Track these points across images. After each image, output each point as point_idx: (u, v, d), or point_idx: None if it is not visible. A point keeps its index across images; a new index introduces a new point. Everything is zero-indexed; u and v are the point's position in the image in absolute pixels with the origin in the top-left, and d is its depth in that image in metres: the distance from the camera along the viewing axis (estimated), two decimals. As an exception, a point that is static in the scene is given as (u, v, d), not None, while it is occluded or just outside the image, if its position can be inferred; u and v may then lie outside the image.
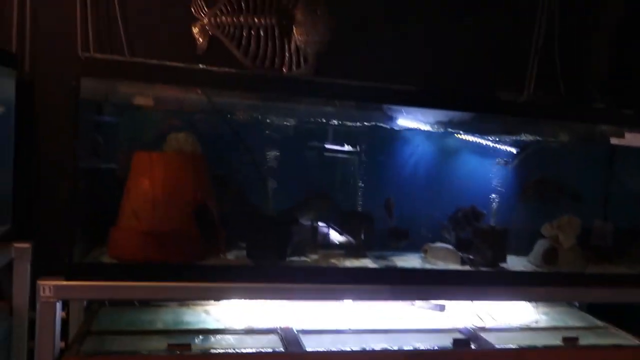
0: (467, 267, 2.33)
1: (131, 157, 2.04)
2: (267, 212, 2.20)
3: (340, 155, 2.49)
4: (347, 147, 2.48)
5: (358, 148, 2.49)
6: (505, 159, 2.54)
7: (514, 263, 2.47)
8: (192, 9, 2.60)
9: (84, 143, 2.07)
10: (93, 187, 2.23)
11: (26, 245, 2.16)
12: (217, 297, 2.04)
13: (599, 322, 2.64)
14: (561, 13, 3.00)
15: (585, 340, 2.37)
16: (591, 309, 2.78)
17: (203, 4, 2.61)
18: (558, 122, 2.56)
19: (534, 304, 2.69)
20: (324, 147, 2.49)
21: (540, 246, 2.51)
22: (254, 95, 2.13)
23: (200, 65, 1.96)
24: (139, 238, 1.93)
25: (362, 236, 2.39)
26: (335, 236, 2.39)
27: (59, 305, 1.78)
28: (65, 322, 2.17)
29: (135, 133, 2.29)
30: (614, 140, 2.57)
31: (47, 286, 1.75)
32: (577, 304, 2.82)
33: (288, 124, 2.31)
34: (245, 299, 2.05)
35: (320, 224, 2.37)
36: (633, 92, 3.02)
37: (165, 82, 1.90)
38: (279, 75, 2.52)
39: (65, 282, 1.78)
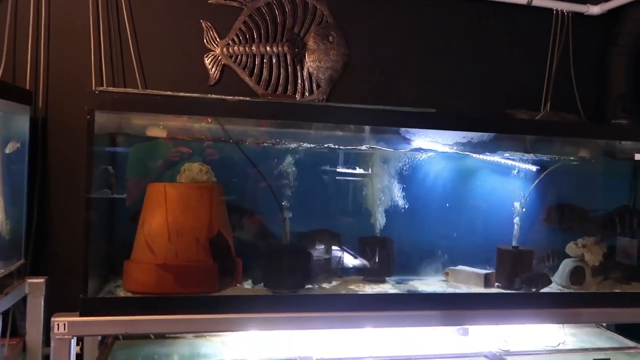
0: (491, 290, 2.28)
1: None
2: (283, 240, 2.16)
3: (357, 179, 2.46)
4: (363, 171, 2.45)
5: (374, 171, 2.45)
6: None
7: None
8: (205, 40, 2.62)
9: (98, 176, 2.07)
10: (108, 220, 2.23)
11: (40, 280, 2.15)
12: (234, 329, 1.99)
13: (629, 342, 2.57)
14: (576, 30, 2.98)
15: (617, 362, 2.30)
16: (620, 328, 2.70)
17: (215, 34, 2.63)
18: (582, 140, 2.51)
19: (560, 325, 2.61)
20: (341, 172, 2.46)
21: (565, 266, 2.44)
22: (267, 123, 2.12)
23: (211, 95, 1.95)
24: (154, 271, 1.90)
25: (382, 261, 2.35)
26: (353, 262, 2.35)
27: (73, 342, 1.75)
28: (79, 357, 2.15)
29: (149, 164, 2.29)
30: (638, 156, 2.51)
31: (61, 323, 1.72)
32: (604, 323, 2.73)
33: (302, 149, 2.29)
34: (262, 329, 2.00)
35: (337, 249, 2.33)
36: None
37: (177, 113, 1.89)
38: (291, 102, 2.51)
39: (79, 318, 1.75)
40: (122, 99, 1.81)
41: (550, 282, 2.37)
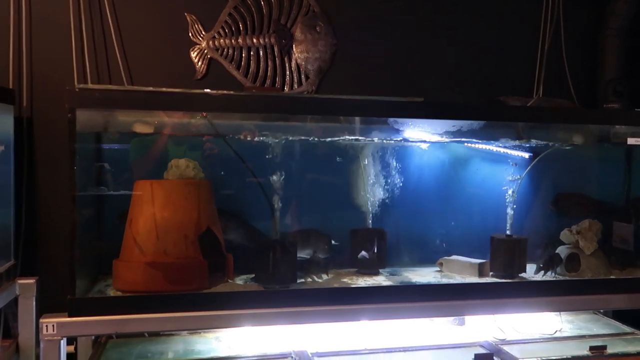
0: (485, 279, 2.26)
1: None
2: (273, 234, 2.14)
3: (347, 170, 2.43)
4: (353, 162, 2.42)
5: (366, 162, 2.43)
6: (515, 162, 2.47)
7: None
8: (190, 34, 2.58)
9: (84, 174, 2.05)
10: (96, 219, 2.20)
11: (31, 281, 2.13)
12: (226, 325, 1.98)
13: (626, 328, 2.56)
14: (567, 14, 2.95)
15: (614, 348, 2.29)
16: (617, 314, 2.69)
17: (201, 28, 2.59)
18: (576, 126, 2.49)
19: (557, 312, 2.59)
20: (331, 164, 2.43)
21: (560, 253, 2.43)
22: (252, 116, 2.09)
23: (195, 90, 1.92)
24: (143, 269, 1.88)
25: (375, 253, 2.33)
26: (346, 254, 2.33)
27: (63, 343, 1.73)
28: (73, 356, 2.14)
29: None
30: (631, 141, 2.48)
31: (49, 324, 1.70)
32: (601, 310, 2.72)
33: (291, 141, 2.26)
34: (255, 325, 1.98)
35: (329, 242, 2.31)
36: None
37: (161, 109, 1.87)
38: (279, 94, 2.48)
39: (68, 319, 1.73)
40: (103, 96, 1.78)
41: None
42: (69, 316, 1.74)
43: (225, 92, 1.90)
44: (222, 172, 2.24)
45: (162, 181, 2.03)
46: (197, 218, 1.97)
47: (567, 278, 2.36)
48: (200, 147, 2.25)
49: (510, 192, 2.39)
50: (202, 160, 2.12)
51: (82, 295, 1.83)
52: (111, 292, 1.94)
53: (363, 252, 2.29)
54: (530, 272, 2.34)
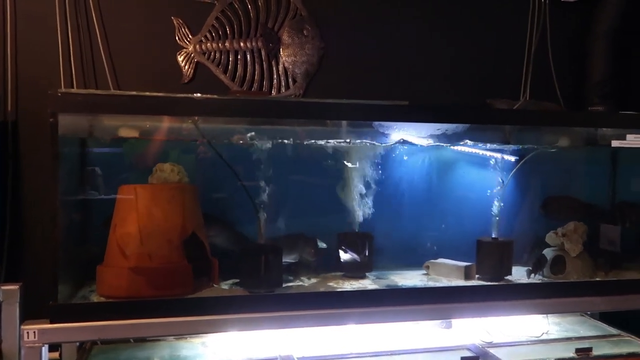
0: (472, 282, 2.26)
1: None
2: (259, 239, 2.13)
3: (334, 173, 2.43)
4: (340, 165, 2.42)
5: (352, 165, 2.43)
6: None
7: (521, 274, 2.38)
8: (177, 37, 2.58)
9: (70, 179, 2.04)
10: (82, 224, 2.19)
11: (14, 287, 2.10)
12: (212, 330, 1.96)
13: (612, 330, 2.56)
14: (554, 17, 2.96)
15: (600, 350, 2.30)
16: (604, 316, 2.69)
17: (187, 31, 2.59)
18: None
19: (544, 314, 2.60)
20: (317, 167, 2.43)
21: (546, 255, 2.43)
22: (241, 120, 2.08)
23: (178, 94, 1.91)
24: (127, 275, 1.87)
25: (361, 256, 2.33)
26: (332, 258, 2.33)
27: (44, 350, 1.72)
28: (58, 363, 2.13)
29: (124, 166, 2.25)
30: (615, 143, 2.49)
31: (31, 331, 1.69)
32: (588, 312, 2.72)
33: (277, 145, 2.26)
34: (241, 330, 1.97)
35: (316, 246, 2.31)
36: (632, 94, 2.98)
37: (144, 113, 1.86)
38: (265, 98, 2.47)
39: (49, 325, 1.72)
40: (86, 100, 1.77)
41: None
42: (51, 322, 1.73)
43: (209, 96, 1.90)
44: (207, 176, 2.23)
45: (146, 186, 2.02)
46: (182, 223, 1.97)
47: (553, 280, 2.37)
48: (187, 151, 2.25)
49: (494, 193, 2.39)
50: (186, 164, 2.10)
51: (65, 301, 1.82)
52: (95, 298, 1.93)
53: (344, 251, 2.29)
54: (517, 274, 2.35)
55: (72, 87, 2.37)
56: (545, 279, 2.39)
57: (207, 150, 2.21)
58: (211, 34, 2.62)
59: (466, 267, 2.31)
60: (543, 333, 2.49)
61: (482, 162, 2.52)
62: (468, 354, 2.21)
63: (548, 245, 2.47)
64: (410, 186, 2.52)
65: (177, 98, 1.88)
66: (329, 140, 2.34)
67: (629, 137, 2.37)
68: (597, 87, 2.86)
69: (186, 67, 2.59)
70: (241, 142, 2.17)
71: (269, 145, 2.20)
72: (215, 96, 1.93)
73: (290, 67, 2.71)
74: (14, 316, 2.08)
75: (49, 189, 1.83)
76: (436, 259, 2.42)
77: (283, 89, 2.71)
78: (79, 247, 2.16)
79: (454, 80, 2.87)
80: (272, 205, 2.16)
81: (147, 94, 1.90)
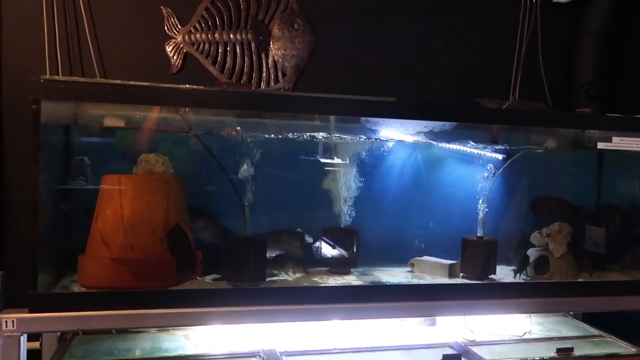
0: (456, 280, 2.27)
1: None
2: (244, 232, 2.12)
3: (320, 169, 2.42)
4: (326, 160, 2.41)
5: (339, 160, 2.42)
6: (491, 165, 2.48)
7: (505, 273, 2.39)
8: (165, 27, 2.55)
9: (53, 167, 2.02)
10: (64, 213, 2.17)
11: (-5, 275, 2.08)
12: (194, 323, 1.95)
13: (594, 331, 2.58)
14: (544, 18, 2.96)
15: (581, 350, 2.30)
16: (586, 317, 2.71)
17: (177, 21, 2.56)
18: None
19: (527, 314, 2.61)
20: (304, 162, 2.42)
21: (530, 255, 2.44)
22: (223, 112, 2.07)
23: (163, 84, 1.89)
24: (109, 265, 1.86)
25: (347, 252, 2.32)
26: (317, 253, 2.32)
27: (23, 339, 1.70)
28: (38, 352, 2.10)
29: (109, 155, 2.23)
30: (601, 145, 2.50)
31: (9, 320, 1.67)
32: (571, 312, 2.74)
33: (263, 139, 2.25)
34: (224, 323, 1.96)
35: (302, 240, 2.30)
36: (619, 97, 2.99)
37: (129, 102, 1.83)
38: (252, 90, 2.46)
39: (28, 315, 1.70)
40: (69, 88, 1.74)
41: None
42: (30, 312, 1.71)
43: (194, 87, 1.88)
44: (193, 168, 2.21)
45: (130, 176, 2.00)
46: (166, 214, 1.95)
47: (537, 280, 2.38)
48: (174, 142, 2.23)
49: (480, 191, 2.40)
50: (172, 155, 2.09)
51: (45, 291, 1.80)
52: (76, 288, 1.91)
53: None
54: (502, 273, 2.35)
55: (58, 76, 2.33)
56: (529, 278, 2.40)
57: (196, 142, 2.19)
58: (201, 24, 2.59)
59: (450, 265, 2.31)
60: (526, 332, 2.50)
61: (470, 160, 2.52)
62: (450, 351, 2.22)
63: (533, 245, 2.47)
64: (397, 183, 2.51)
65: (162, 88, 1.85)
66: (316, 135, 2.33)
67: (614, 139, 2.39)
68: (584, 89, 2.86)
69: (175, 57, 2.57)
70: (227, 134, 2.15)
71: (254, 138, 2.18)
72: (201, 87, 1.90)
73: (280, 60, 2.70)
74: (-5, 306, 2.06)
75: (31, 177, 1.81)
76: (421, 256, 2.42)
77: (272, 83, 2.69)
78: (61, 236, 2.14)
79: (443, 78, 2.86)
80: (256, 199, 2.14)
81: (132, 83, 1.87)
